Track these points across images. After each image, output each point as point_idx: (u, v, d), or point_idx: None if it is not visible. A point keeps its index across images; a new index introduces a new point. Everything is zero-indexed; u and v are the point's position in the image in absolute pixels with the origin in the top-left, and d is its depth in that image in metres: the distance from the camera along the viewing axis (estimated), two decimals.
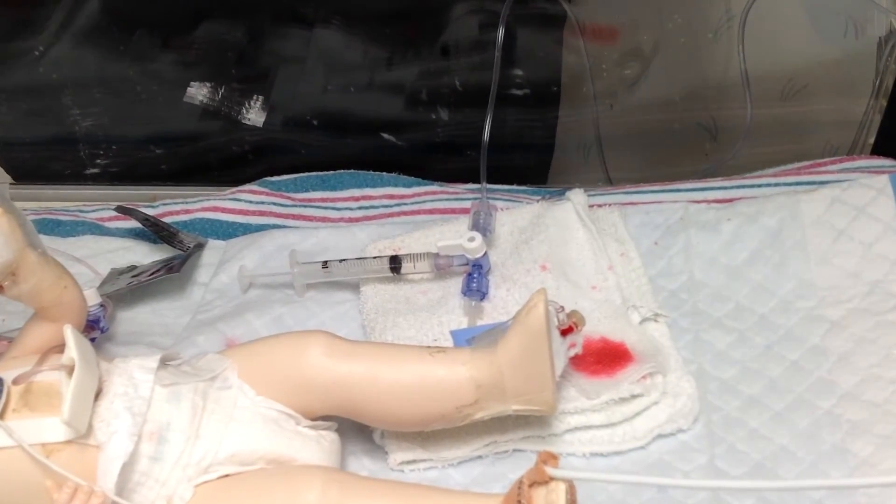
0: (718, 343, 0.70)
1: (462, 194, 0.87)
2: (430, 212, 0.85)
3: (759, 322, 0.68)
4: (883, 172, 0.78)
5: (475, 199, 0.79)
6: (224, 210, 0.87)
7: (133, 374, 0.59)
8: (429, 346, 0.64)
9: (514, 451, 0.64)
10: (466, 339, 0.66)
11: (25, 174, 0.98)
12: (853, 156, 0.86)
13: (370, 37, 0.90)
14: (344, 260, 0.76)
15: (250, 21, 0.91)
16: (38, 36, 0.92)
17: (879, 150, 0.90)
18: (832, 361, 0.67)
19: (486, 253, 0.73)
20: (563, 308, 0.63)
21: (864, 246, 0.73)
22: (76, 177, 0.97)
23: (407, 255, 0.75)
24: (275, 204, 0.88)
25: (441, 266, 0.74)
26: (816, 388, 0.66)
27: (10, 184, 0.98)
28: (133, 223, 0.86)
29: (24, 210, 0.64)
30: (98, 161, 0.96)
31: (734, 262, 0.75)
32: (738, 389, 0.67)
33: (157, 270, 0.80)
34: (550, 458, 0.52)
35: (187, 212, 0.87)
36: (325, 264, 0.76)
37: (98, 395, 0.57)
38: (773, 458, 0.62)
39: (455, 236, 0.73)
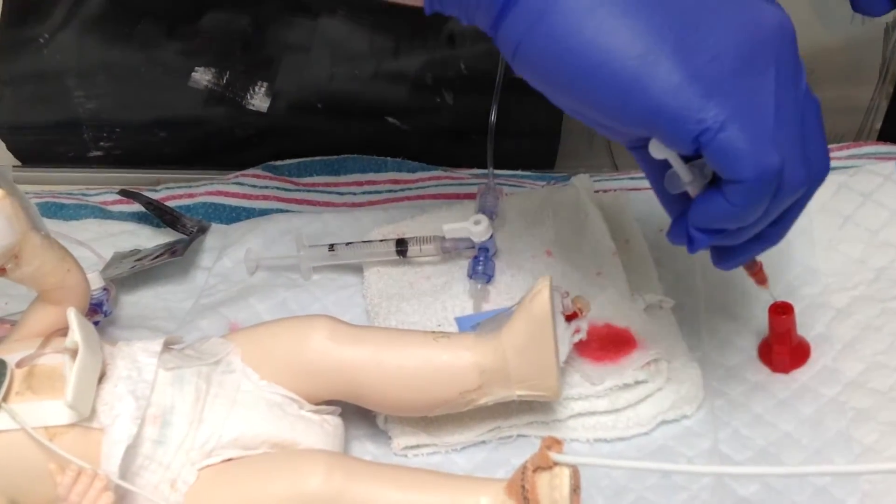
0: (723, 330, 0.70)
1: (467, 180, 0.87)
2: (435, 197, 0.85)
3: (764, 309, 0.68)
4: (890, 159, 0.77)
5: (480, 184, 0.79)
6: (227, 194, 0.87)
7: (137, 358, 0.59)
8: (433, 332, 0.64)
9: (518, 436, 0.64)
10: (471, 326, 0.66)
11: (29, 157, 0.98)
12: (860, 142, 0.86)
13: (375, 25, 0.89)
14: (350, 243, 0.76)
15: (255, 10, 0.90)
16: (45, 23, 0.91)
17: (886, 136, 0.89)
18: (837, 349, 0.67)
19: (492, 236, 0.73)
20: (567, 293, 0.63)
21: (870, 232, 0.72)
22: (79, 160, 0.97)
23: (413, 237, 0.74)
24: (278, 188, 0.87)
25: (447, 249, 0.74)
26: (821, 376, 0.65)
27: (14, 167, 0.98)
28: (136, 207, 0.86)
29: (27, 193, 0.64)
30: (101, 144, 0.96)
31: None
32: (743, 377, 0.67)
33: (161, 254, 0.80)
34: (554, 443, 0.52)
35: (190, 196, 0.87)
36: (331, 247, 0.76)
37: (101, 378, 0.57)
38: (777, 444, 0.62)
39: (461, 220, 0.73)
